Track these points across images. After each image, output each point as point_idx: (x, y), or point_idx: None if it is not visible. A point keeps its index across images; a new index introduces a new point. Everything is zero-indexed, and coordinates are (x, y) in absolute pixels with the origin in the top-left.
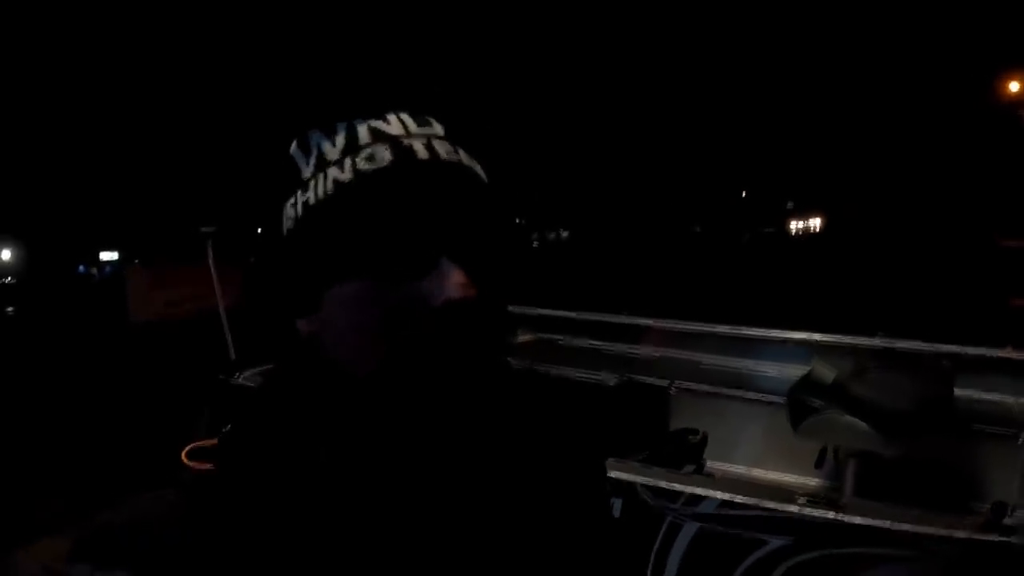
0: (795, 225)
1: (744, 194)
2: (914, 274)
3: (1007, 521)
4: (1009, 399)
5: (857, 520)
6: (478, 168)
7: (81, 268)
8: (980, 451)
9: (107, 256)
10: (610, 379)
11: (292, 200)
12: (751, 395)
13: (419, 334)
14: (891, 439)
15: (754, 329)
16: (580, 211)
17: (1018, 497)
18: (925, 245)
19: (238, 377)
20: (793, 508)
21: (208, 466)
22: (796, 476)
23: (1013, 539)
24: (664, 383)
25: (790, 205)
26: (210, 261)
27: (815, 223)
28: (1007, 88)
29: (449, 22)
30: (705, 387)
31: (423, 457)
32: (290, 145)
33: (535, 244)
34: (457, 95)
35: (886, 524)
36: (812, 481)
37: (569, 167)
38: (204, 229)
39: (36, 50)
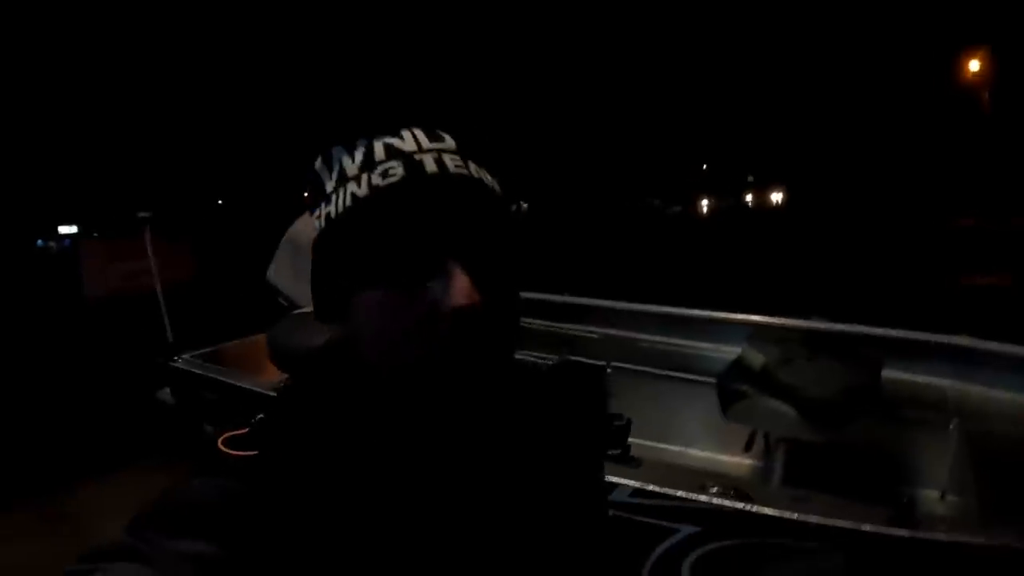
0: (751, 198)
1: (705, 167)
2: (867, 252)
3: (932, 509)
4: (944, 383)
5: (766, 511)
6: (488, 179)
7: (39, 242)
8: (912, 437)
9: (65, 229)
10: (548, 359)
11: (317, 212)
12: (687, 376)
13: (431, 340)
14: (818, 425)
15: (692, 310)
16: (540, 184)
17: (948, 483)
18: (880, 223)
19: (177, 360)
20: (703, 497)
21: (248, 453)
22: (728, 458)
23: (919, 534)
24: (601, 363)
25: (751, 179)
26: (147, 245)
27: (776, 197)
28: (967, 67)
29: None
30: (641, 367)
31: (443, 451)
32: (315, 160)
33: None
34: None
35: (794, 516)
36: (744, 463)
37: (531, 139)
38: (141, 214)
39: None
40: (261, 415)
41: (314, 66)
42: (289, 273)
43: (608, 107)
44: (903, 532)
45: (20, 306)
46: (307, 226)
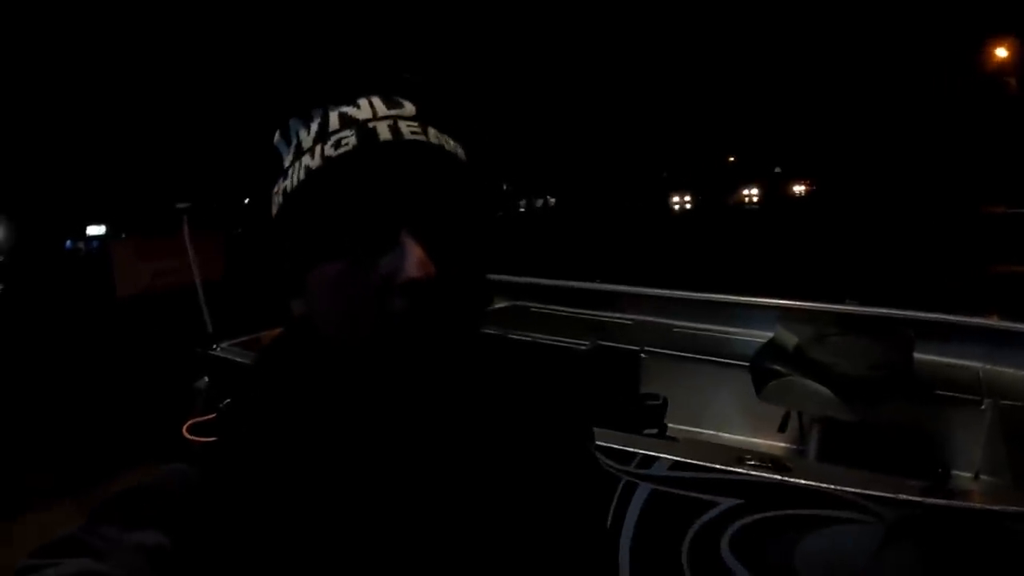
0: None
1: (732, 159)
2: (898, 240)
3: (964, 485)
4: (975, 365)
5: (802, 482)
6: (450, 145)
7: (68, 243)
8: (945, 417)
9: (94, 230)
10: (582, 344)
11: (276, 188)
12: (720, 359)
13: (383, 314)
14: (851, 404)
15: (724, 295)
16: (567, 179)
17: (981, 463)
18: (910, 211)
19: (216, 349)
20: (741, 470)
21: (210, 439)
22: (761, 440)
23: (955, 502)
24: (635, 348)
25: (778, 170)
26: (186, 237)
27: (800, 188)
28: (994, 54)
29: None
30: (675, 352)
31: (411, 428)
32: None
33: (522, 210)
34: (440, 72)
35: (830, 487)
36: (778, 445)
37: (558, 135)
38: (179, 205)
39: (23, 31)
40: (228, 400)
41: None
42: None
43: (636, 105)
44: (940, 501)
45: (53, 308)
46: None
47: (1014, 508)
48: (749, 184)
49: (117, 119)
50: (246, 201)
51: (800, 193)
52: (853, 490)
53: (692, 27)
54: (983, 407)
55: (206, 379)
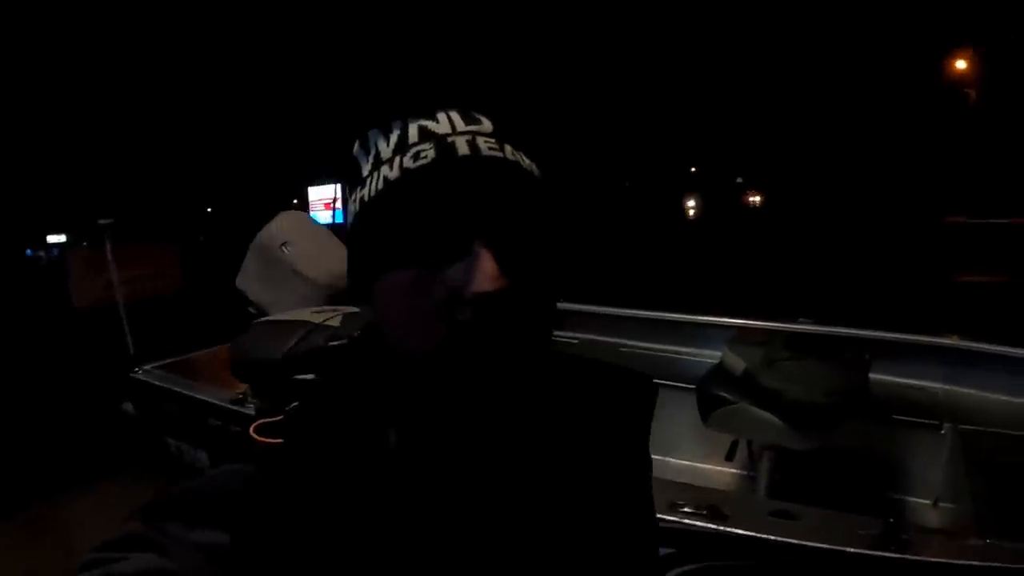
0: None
1: (694, 170)
2: (858, 253)
3: (924, 517)
4: (934, 387)
5: (738, 532)
6: (526, 163)
7: (28, 252)
8: (903, 443)
9: (54, 239)
10: None
11: (354, 196)
12: (667, 382)
13: (451, 326)
14: (803, 432)
15: (672, 314)
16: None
17: (941, 490)
18: (870, 221)
19: (138, 372)
20: (674, 518)
21: (277, 440)
22: (710, 466)
23: (907, 555)
24: None
25: (739, 180)
26: (108, 253)
27: (756, 199)
28: (954, 66)
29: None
30: None
31: (475, 442)
32: (353, 145)
33: None
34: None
35: (769, 538)
36: (728, 471)
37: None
38: (101, 221)
39: None
40: (295, 403)
41: (312, 74)
42: (257, 280)
43: (598, 111)
44: (889, 554)
45: (9, 317)
46: (276, 231)
47: (970, 560)
48: (690, 194)
49: (79, 127)
50: (208, 210)
51: (756, 204)
52: (794, 541)
53: (657, 35)
54: (943, 431)
55: (130, 404)
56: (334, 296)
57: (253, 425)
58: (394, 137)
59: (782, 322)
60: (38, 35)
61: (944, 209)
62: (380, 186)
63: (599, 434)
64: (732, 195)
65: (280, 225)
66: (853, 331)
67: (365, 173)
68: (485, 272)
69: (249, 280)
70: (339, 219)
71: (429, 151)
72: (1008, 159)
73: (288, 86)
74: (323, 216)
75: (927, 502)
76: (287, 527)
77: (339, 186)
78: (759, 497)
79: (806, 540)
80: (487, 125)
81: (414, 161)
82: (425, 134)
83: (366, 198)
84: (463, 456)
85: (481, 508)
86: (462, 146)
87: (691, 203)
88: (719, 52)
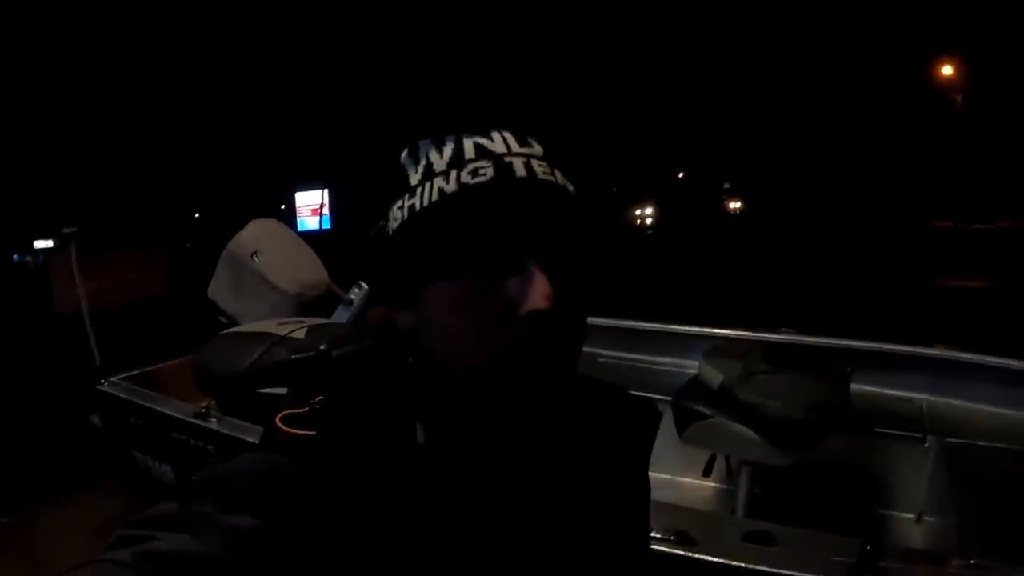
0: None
1: (681, 175)
2: (843, 258)
3: (907, 533)
4: (918, 398)
5: (707, 559)
6: (572, 189)
7: (15, 257)
8: (885, 456)
9: (41, 244)
10: None
11: (399, 203)
12: (643, 394)
13: (505, 339)
14: (782, 448)
15: (648, 323)
16: None
17: (925, 504)
18: (856, 226)
19: (104, 384)
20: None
21: (305, 432)
22: (687, 481)
23: None
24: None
25: (727, 185)
26: (73, 262)
27: (736, 205)
28: (940, 72)
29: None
30: None
31: (513, 457)
32: (401, 153)
33: None
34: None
35: (740, 566)
36: (707, 484)
37: None
38: (66, 230)
39: None
40: (321, 397)
41: (304, 78)
42: (228, 289)
43: (585, 116)
44: None
45: None
46: (247, 240)
47: None
48: (643, 204)
49: (67, 131)
50: (196, 215)
51: (736, 210)
52: (764, 569)
53: (644, 39)
54: (926, 444)
55: (97, 416)
56: (304, 305)
57: (279, 415)
58: (448, 151)
59: (762, 332)
60: (23, 38)
61: (930, 213)
62: (435, 197)
63: (609, 457)
64: (713, 201)
65: (252, 233)
66: (834, 341)
67: (414, 182)
68: (539, 290)
69: (221, 289)
70: (326, 225)
71: (488, 169)
72: (994, 164)
73: (277, 93)
74: (310, 222)
75: (910, 516)
76: (320, 516)
77: (325, 192)
78: (735, 518)
79: (778, 568)
80: (538, 149)
81: (472, 177)
82: (482, 151)
83: (417, 207)
84: (488, 463)
85: (497, 515)
86: (519, 168)
87: (648, 211)
88: (709, 55)
